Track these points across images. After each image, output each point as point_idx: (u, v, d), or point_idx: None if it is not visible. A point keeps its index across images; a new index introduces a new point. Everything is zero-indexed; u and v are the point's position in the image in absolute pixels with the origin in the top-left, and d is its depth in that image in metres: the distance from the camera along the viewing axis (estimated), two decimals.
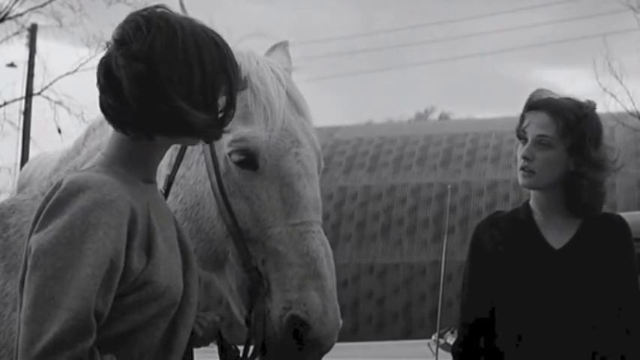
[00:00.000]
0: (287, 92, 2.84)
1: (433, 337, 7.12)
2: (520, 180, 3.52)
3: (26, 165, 3.17)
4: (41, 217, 2.25)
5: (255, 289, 2.63)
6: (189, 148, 2.78)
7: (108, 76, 2.31)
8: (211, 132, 2.37)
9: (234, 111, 2.42)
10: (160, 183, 2.76)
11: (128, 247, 2.24)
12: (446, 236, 7.01)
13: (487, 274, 3.52)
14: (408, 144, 24.13)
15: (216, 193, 2.70)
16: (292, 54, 3.13)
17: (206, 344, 2.60)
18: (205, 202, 2.73)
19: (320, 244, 2.66)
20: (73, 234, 2.18)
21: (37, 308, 2.16)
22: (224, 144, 2.72)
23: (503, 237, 3.55)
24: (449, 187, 6.86)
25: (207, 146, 2.74)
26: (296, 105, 2.85)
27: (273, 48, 3.08)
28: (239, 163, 2.72)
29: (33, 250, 2.21)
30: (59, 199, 2.23)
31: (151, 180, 2.42)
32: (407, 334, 19.63)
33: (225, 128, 2.41)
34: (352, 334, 19.39)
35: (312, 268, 2.61)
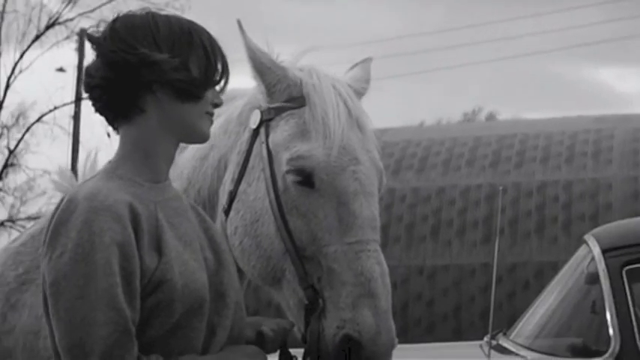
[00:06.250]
0: (348, 109, 2.82)
1: (485, 339, 7.12)
2: None
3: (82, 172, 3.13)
4: (47, 239, 2.24)
5: (311, 307, 2.62)
6: (251, 163, 2.78)
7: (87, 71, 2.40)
8: (183, 81, 2.36)
9: (215, 73, 2.42)
10: (224, 198, 2.80)
11: (137, 247, 2.23)
12: (497, 238, 7.02)
13: None
14: (457, 145, 24.00)
15: (274, 210, 2.70)
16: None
17: (274, 350, 2.60)
18: (264, 219, 2.72)
19: (375, 263, 2.66)
20: (85, 249, 2.17)
21: (73, 333, 2.15)
22: (282, 162, 2.72)
23: None
24: (500, 188, 6.83)
25: (267, 163, 2.75)
26: (357, 122, 2.83)
27: (356, 65, 3.06)
28: (296, 181, 2.70)
29: (51, 278, 2.20)
30: (60, 219, 2.23)
31: (158, 180, 2.40)
32: (457, 336, 19.55)
33: (215, 93, 2.43)
34: (402, 335, 19.36)
35: (366, 288, 2.60)
